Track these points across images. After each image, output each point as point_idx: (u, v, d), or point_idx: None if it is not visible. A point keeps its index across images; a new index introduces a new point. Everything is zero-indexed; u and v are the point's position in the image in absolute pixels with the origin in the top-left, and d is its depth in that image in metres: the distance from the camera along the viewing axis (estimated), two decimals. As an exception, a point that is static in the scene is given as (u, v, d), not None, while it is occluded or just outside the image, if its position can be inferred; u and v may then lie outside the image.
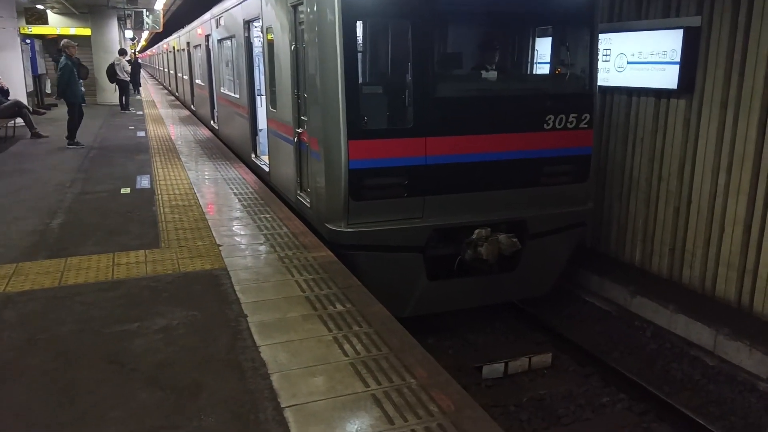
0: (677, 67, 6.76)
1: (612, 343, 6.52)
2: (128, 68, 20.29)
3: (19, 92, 14.61)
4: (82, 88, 12.47)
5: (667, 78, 6.90)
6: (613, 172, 8.03)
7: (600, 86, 6.97)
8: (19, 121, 13.24)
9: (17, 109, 13.13)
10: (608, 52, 7.74)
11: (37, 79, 20.63)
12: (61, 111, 18.38)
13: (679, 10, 6.95)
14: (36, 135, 12.93)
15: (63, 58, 11.83)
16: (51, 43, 24.67)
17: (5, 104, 13.00)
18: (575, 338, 6.41)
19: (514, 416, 5.23)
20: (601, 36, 7.00)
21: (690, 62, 6.71)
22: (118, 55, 20.15)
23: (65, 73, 11.67)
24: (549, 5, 6.43)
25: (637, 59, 7.33)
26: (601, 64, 7.47)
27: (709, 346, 6.07)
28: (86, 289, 4.49)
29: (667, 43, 6.87)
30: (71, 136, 11.73)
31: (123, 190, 7.81)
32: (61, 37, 24.46)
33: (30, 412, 2.98)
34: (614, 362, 5.94)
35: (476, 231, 6.03)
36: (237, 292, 4.41)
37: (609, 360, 6.00)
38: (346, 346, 3.59)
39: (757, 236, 6.22)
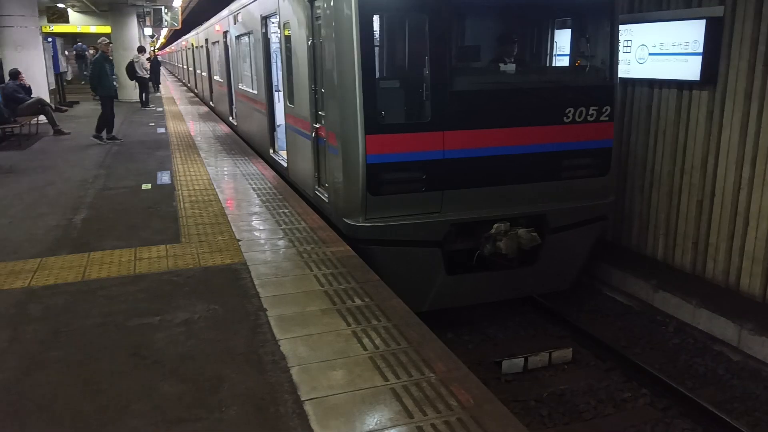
0: (700, 58, 6.65)
1: (633, 337, 6.45)
2: (147, 65, 20.47)
3: (41, 90, 14.82)
4: (115, 83, 12.74)
5: (690, 69, 6.79)
6: (635, 165, 7.92)
7: (621, 78, 6.89)
8: (42, 118, 13.44)
9: (40, 106, 13.35)
10: (629, 43, 7.64)
11: (59, 76, 20.91)
12: (83, 108, 18.67)
13: (701, 0, 6.83)
14: (58, 132, 13.12)
15: (98, 55, 12.38)
16: (70, 39, 25.10)
17: (28, 102, 13.19)
18: (596, 333, 6.36)
19: (534, 411, 5.21)
20: (621, 27, 6.90)
21: (713, 53, 6.59)
22: (137, 53, 20.35)
23: (96, 68, 12.13)
24: None
25: (659, 50, 7.22)
26: (621, 56, 7.37)
27: (733, 341, 5.98)
28: (109, 283, 4.55)
29: (689, 33, 6.75)
30: (99, 128, 11.93)
31: (144, 186, 7.89)
32: (80, 35, 24.87)
33: (54, 403, 3.02)
34: (636, 357, 5.88)
35: (495, 225, 5.99)
36: (256, 287, 4.44)
37: (630, 355, 5.93)
38: (365, 340, 3.60)
39: (783, 229, 6.12)
